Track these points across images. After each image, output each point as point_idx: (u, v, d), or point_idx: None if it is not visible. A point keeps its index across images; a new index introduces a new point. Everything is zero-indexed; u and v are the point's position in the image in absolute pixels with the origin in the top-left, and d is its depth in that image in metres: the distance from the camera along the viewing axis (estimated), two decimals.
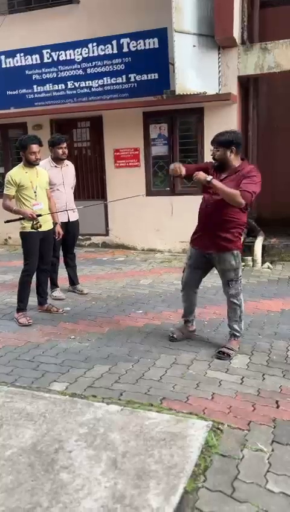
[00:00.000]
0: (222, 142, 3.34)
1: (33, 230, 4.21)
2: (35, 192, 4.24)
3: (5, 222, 4.29)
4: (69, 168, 5.17)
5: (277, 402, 2.78)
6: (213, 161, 3.51)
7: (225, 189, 3.22)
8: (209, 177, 3.27)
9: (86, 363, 3.38)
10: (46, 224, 4.34)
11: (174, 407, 2.72)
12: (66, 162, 5.13)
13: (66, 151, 4.98)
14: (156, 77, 6.94)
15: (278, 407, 2.73)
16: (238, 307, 3.56)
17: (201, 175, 3.28)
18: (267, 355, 3.48)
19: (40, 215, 4.19)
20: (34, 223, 4.14)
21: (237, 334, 3.61)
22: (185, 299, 3.82)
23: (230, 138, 3.32)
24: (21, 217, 4.20)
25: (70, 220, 5.07)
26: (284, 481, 2.07)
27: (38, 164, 4.30)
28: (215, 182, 3.25)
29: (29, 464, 2.18)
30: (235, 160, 3.38)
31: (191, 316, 3.88)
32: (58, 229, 4.70)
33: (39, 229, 4.21)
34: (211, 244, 3.45)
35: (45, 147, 4.66)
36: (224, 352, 3.44)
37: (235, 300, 3.54)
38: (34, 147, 4.14)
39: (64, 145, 4.93)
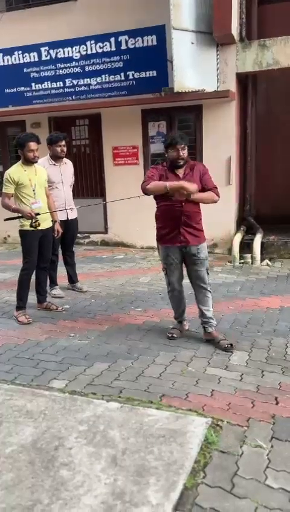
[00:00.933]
0: (186, 142, 3.58)
1: (32, 228, 4.22)
2: (34, 190, 4.24)
3: (4, 220, 4.29)
4: (67, 166, 5.16)
5: (276, 398, 2.79)
6: (167, 162, 3.66)
7: (204, 196, 3.55)
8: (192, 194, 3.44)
9: (86, 361, 3.39)
10: (45, 223, 4.33)
11: (174, 404, 2.72)
12: (65, 160, 5.12)
13: (65, 149, 4.98)
14: (155, 75, 6.92)
15: (277, 403, 2.74)
16: (210, 293, 3.76)
17: (191, 191, 3.40)
18: (266, 352, 3.49)
19: (38, 214, 4.18)
20: (33, 221, 4.14)
21: (215, 323, 3.76)
22: (175, 299, 3.87)
23: (186, 139, 3.62)
24: (20, 215, 4.20)
25: (69, 218, 5.06)
26: (284, 477, 2.08)
27: (36, 162, 4.30)
28: (197, 195, 3.47)
29: (29, 461, 2.19)
30: None
31: (184, 315, 3.94)
32: (58, 227, 4.70)
33: (38, 228, 4.20)
34: (194, 238, 3.60)
35: (43, 145, 4.66)
36: (229, 344, 3.54)
37: (209, 288, 3.73)
38: (32, 145, 4.13)
39: (63, 143, 4.92)
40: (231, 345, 3.54)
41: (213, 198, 3.57)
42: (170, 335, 3.81)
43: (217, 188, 3.62)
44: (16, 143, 4.23)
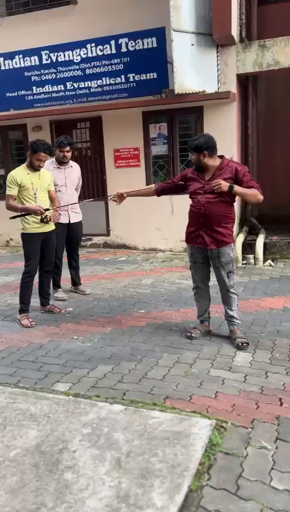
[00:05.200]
0: (193, 147, 3.52)
1: (35, 232, 4.24)
2: (35, 194, 4.24)
3: (10, 218, 4.29)
4: (73, 169, 5.16)
5: (280, 399, 2.78)
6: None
7: (247, 191, 3.46)
8: (231, 185, 3.40)
9: (89, 363, 3.38)
10: (48, 226, 4.34)
11: (178, 406, 2.72)
12: (71, 163, 5.13)
13: (68, 155, 4.95)
14: (155, 77, 6.94)
15: (281, 404, 2.72)
16: (236, 296, 3.76)
17: (224, 185, 3.39)
18: (270, 352, 3.48)
19: (48, 209, 4.21)
20: (43, 216, 4.16)
21: (239, 322, 3.76)
22: (199, 297, 3.87)
23: (200, 143, 3.48)
24: (22, 213, 4.19)
25: (71, 222, 5.05)
26: (289, 478, 2.07)
27: (39, 170, 4.29)
28: (237, 188, 3.42)
29: (33, 464, 2.19)
30: (211, 162, 3.55)
31: (206, 314, 3.92)
32: (57, 214, 4.48)
33: (49, 222, 4.23)
34: (212, 241, 3.59)
35: None
36: (243, 343, 3.56)
37: (233, 291, 3.72)
38: (43, 155, 4.16)
39: (67, 148, 4.91)
40: (247, 343, 3.56)
41: (257, 197, 3.47)
42: (189, 334, 3.80)
43: (260, 187, 3.51)
44: (29, 145, 4.23)
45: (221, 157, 3.61)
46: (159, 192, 3.92)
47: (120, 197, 3.97)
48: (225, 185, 3.39)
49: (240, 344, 3.56)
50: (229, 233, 3.63)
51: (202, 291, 3.84)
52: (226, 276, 3.65)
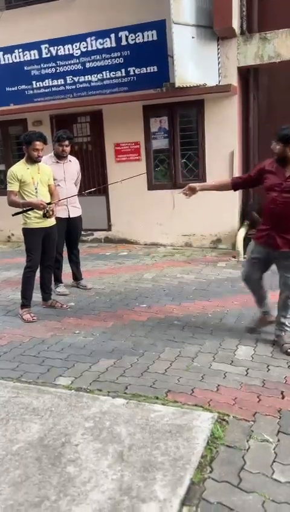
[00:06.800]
0: (280, 137, 3.25)
1: (36, 227, 4.25)
2: (36, 188, 4.24)
3: (12, 215, 4.28)
4: (72, 164, 5.15)
5: (282, 393, 2.78)
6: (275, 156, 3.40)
7: None
8: None
9: (91, 358, 3.39)
10: (49, 221, 4.34)
11: (180, 400, 2.73)
12: (70, 157, 5.11)
13: (67, 149, 4.94)
14: (155, 70, 6.89)
15: (283, 397, 2.73)
16: None
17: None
18: (271, 346, 3.48)
19: (50, 204, 4.21)
20: (46, 211, 4.16)
21: (288, 329, 3.49)
22: (252, 291, 3.67)
23: (289, 134, 3.20)
24: (25, 208, 4.18)
25: (70, 217, 5.04)
26: None
27: (39, 161, 4.29)
28: None
29: (36, 458, 2.20)
30: None
31: (264, 306, 3.68)
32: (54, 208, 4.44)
33: (52, 216, 4.23)
34: (285, 243, 3.30)
35: (49, 141, 4.63)
36: None
37: None
38: (38, 144, 4.13)
39: (66, 142, 4.89)
40: None
41: None
42: (251, 326, 3.71)
43: None
44: (22, 139, 4.22)
45: None
46: (235, 186, 3.67)
47: (192, 190, 3.65)
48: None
49: (289, 350, 3.34)
50: None
51: (254, 286, 3.60)
52: None
